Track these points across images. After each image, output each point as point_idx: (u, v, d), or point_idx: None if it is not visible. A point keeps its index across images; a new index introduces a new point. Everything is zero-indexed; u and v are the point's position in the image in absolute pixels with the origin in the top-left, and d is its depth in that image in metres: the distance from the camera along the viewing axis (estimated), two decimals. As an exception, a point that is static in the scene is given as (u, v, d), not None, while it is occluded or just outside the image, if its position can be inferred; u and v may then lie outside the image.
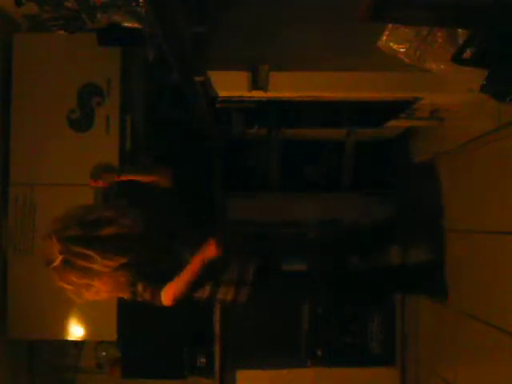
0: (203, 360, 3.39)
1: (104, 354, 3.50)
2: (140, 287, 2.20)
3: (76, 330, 3.13)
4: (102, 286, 2.13)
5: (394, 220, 3.20)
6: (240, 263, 2.37)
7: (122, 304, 3.07)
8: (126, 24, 2.30)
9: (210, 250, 2.15)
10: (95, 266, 2.09)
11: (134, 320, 3.20)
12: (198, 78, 2.32)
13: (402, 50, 1.95)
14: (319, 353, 3.52)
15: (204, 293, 2.33)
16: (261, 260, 2.42)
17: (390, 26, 1.90)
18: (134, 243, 2.17)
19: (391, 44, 1.94)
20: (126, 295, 2.24)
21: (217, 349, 3.39)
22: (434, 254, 2.95)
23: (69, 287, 2.14)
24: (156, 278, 2.20)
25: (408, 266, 3.29)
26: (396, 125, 3.10)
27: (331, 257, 2.76)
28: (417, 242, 3.27)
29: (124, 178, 2.53)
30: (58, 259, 2.10)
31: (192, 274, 2.17)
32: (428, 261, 3.06)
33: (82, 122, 3.06)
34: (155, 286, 2.20)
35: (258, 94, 2.45)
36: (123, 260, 2.11)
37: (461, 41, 1.80)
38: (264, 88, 2.38)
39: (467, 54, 1.76)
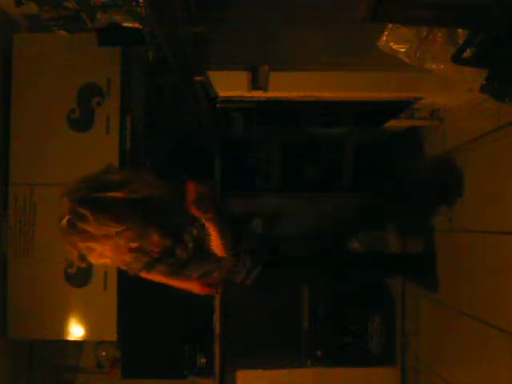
0: (203, 360, 3.39)
1: (104, 353, 3.50)
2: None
3: (76, 330, 3.13)
4: (102, 250, 2.10)
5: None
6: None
7: (122, 304, 3.08)
8: (126, 24, 2.31)
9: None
10: (91, 229, 2.05)
11: (134, 320, 3.20)
12: (197, 78, 2.32)
13: (402, 50, 1.95)
14: (319, 353, 3.52)
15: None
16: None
17: (390, 25, 1.90)
18: (137, 210, 2.11)
19: (391, 44, 1.94)
20: (130, 260, 2.20)
21: (217, 349, 3.38)
22: (432, 251, 2.96)
23: (73, 250, 2.11)
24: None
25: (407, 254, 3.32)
26: (396, 125, 3.10)
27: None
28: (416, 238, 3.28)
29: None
30: (64, 220, 2.07)
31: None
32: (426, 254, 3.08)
33: (82, 121, 3.06)
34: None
35: (258, 94, 2.45)
36: (119, 228, 2.06)
37: (461, 41, 1.80)
38: (264, 88, 2.38)
39: (467, 53, 1.76)
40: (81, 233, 2.06)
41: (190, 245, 2.26)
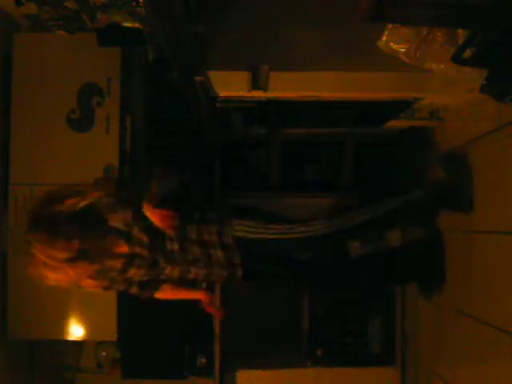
0: (203, 360, 3.39)
1: (104, 354, 3.50)
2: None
3: (76, 330, 3.13)
4: (57, 277, 2.04)
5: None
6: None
7: (122, 304, 3.07)
8: (126, 24, 2.31)
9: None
10: (39, 255, 1.98)
11: (134, 320, 3.20)
12: (197, 78, 2.32)
13: (402, 50, 1.95)
14: (319, 353, 3.52)
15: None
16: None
17: (390, 25, 1.90)
18: (93, 225, 2.07)
19: (391, 44, 1.94)
20: (91, 284, 2.15)
21: (217, 349, 3.38)
22: (433, 252, 2.95)
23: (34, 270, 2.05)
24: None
25: (408, 252, 3.28)
26: (396, 125, 3.10)
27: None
28: (416, 238, 3.27)
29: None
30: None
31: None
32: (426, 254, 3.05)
33: (82, 122, 3.06)
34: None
35: (258, 94, 2.45)
36: (70, 254, 1.99)
37: (461, 41, 1.81)
38: (264, 88, 2.38)
39: (467, 53, 1.76)
40: (31, 256, 2.00)
41: (145, 238, 2.19)
